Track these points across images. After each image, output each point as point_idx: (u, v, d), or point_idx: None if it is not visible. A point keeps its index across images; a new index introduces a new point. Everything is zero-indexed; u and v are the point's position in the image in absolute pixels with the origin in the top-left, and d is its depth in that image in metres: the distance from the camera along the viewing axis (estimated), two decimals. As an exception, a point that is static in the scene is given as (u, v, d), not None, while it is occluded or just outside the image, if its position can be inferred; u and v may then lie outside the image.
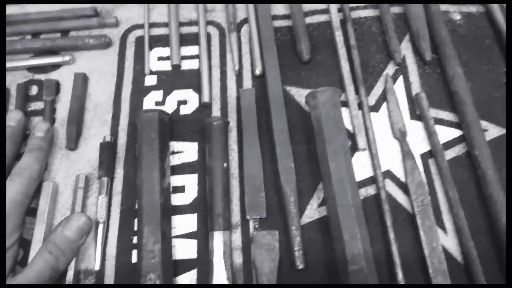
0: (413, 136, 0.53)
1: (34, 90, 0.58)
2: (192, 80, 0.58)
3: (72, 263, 0.46)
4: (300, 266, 0.46)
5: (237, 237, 0.48)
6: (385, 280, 0.45)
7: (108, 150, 0.52)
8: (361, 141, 0.52)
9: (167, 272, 0.45)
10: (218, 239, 0.46)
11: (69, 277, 0.46)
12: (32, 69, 0.59)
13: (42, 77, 0.58)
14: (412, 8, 0.60)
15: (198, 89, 0.57)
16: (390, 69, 0.58)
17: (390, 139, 0.54)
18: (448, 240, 0.48)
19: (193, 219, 0.50)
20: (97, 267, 0.47)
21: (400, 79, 0.57)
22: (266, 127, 0.54)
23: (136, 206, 0.50)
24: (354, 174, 0.49)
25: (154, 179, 0.48)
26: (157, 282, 0.43)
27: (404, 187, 0.51)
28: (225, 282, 0.45)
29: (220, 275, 0.45)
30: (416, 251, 0.47)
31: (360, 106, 0.55)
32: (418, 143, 0.53)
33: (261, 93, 0.56)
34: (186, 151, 0.53)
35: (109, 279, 0.46)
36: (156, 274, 0.44)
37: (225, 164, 0.50)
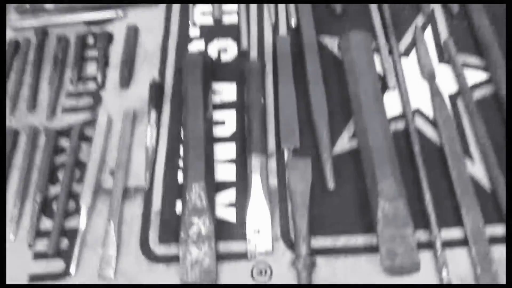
0: (441, 78, 0.56)
1: (91, 40, 0.64)
2: (231, 32, 0.63)
3: (119, 182, 0.51)
4: (331, 186, 0.49)
5: (272, 164, 0.52)
6: (414, 206, 0.47)
7: (156, 89, 0.57)
8: (391, 81, 0.55)
9: (209, 186, 0.49)
10: (256, 161, 0.50)
11: (116, 195, 0.51)
12: (89, 23, 0.66)
13: (97, 30, 0.65)
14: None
15: (237, 39, 0.62)
16: (419, 21, 0.61)
17: (420, 80, 0.57)
18: (475, 169, 0.50)
19: (232, 147, 0.54)
20: (147, 184, 0.52)
21: (429, 29, 0.61)
22: (299, 72, 0.58)
23: (182, 135, 0.55)
24: (385, 109, 0.52)
25: (198, 109, 0.53)
26: (201, 193, 0.48)
27: (432, 123, 0.53)
28: (262, 198, 0.48)
29: (257, 192, 0.49)
30: (444, 179, 0.49)
31: (390, 51, 0.58)
32: (446, 85, 0.56)
33: (296, 44, 0.60)
34: (226, 90, 0.58)
35: (157, 194, 0.51)
36: (200, 186, 0.48)
37: (262, 100, 0.54)
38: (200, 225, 0.47)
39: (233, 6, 0.65)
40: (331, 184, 0.49)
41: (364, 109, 0.51)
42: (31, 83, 0.60)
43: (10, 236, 0.50)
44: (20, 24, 0.66)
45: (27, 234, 0.49)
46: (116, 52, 0.62)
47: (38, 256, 0.49)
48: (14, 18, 0.67)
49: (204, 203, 0.48)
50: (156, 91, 0.57)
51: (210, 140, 0.53)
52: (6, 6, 0.67)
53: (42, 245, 0.49)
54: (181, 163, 0.53)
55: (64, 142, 0.56)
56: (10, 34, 0.65)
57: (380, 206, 0.45)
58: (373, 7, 0.62)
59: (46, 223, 0.50)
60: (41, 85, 0.60)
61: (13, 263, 0.48)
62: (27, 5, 0.66)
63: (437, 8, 0.62)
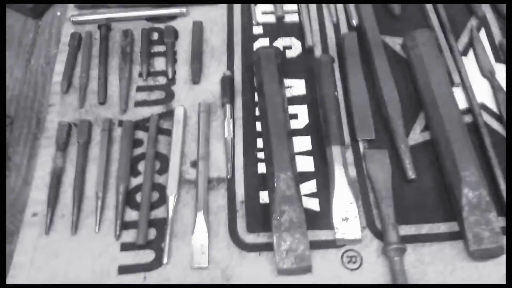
0: (499, 77, 0.59)
1: (155, 36, 0.65)
2: (294, 31, 0.65)
3: (203, 173, 0.52)
4: (412, 176, 0.51)
5: (348, 155, 0.54)
6: (489, 187, 0.50)
7: (228, 82, 0.59)
8: (456, 77, 0.58)
9: (295, 175, 0.50)
10: (336, 152, 0.52)
11: (202, 186, 0.52)
12: (152, 19, 0.66)
13: (161, 26, 0.66)
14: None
15: (301, 37, 0.64)
16: (473, 22, 0.64)
17: (480, 78, 0.60)
18: (542, 161, 0.53)
19: (307, 140, 0.56)
20: (229, 175, 0.53)
21: (483, 31, 0.64)
22: (365, 69, 0.60)
23: (257, 128, 0.56)
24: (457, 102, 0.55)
25: (277, 102, 0.55)
26: (290, 182, 0.49)
27: (496, 116, 0.56)
28: (346, 186, 0.50)
29: (341, 182, 0.50)
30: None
31: (451, 50, 0.61)
32: (504, 81, 0.59)
33: (359, 42, 0.62)
34: (295, 86, 0.60)
35: (239, 185, 0.52)
36: (287, 175, 0.49)
37: (336, 93, 0.56)
38: (291, 213, 0.48)
39: (294, 6, 0.67)
40: (411, 174, 0.51)
41: (439, 101, 0.53)
42: (100, 76, 0.60)
43: (95, 229, 0.50)
44: (81, 18, 0.66)
45: (113, 225, 0.50)
46: (182, 48, 0.63)
47: (126, 247, 0.49)
48: (73, 13, 0.67)
49: (294, 191, 0.49)
50: (228, 85, 0.59)
51: (289, 133, 0.54)
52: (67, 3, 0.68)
53: (128, 236, 0.50)
54: (259, 155, 0.54)
55: (140, 135, 0.56)
56: (70, 29, 0.66)
57: (464, 194, 0.48)
58: (429, 9, 0.65)
59: (131, 214, 0.51)
60: (109, 78, 0.61)
61: (100, 255, 0.48)
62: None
63: (487, 11, 0.65)
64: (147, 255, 0.48)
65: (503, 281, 0.46)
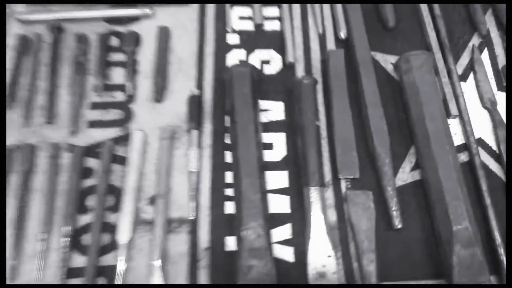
0: (501, 107, 0.53)
1: (114, 41, 0.56)
2: (274, 41, 0.57)
3: (161, 213, 0.46)
4: (399, 226, 0.46)
5: (329, 195, 0.48)
6: (484, 241, 0.45)
7: (196, 104, 0.51)
8: (453, 108, 0.52)
9: (266, 222, 0.44)
10: (314, 194, 0.46)
11: (160, 228, 0.45)
12: (110, 21, 0.58)
13: (121, 29, 0.57)
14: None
15: (281, 50, 0.57)
16: (475, 41, 0.58)
17: (479, 108, 0.54)
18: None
19: (284, 176, 0.49)
20: (192, 216, 0.46)
21: (485, 51, 0.57)
22: (352, 90, 0.53)
23: (227, 159, 0.49)
24: (452, 139, 0.49)
25: (250, 133, 0.48)
26: (260, 231, 0.43)
27: (496, 156, 0.51)
28: (324, 236, 0.44)
29: (318, 229, 0.45)
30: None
31: (449, 74, 0.54)
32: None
33: (345, 57, 0.55)
34: (272, 109, 0.53)
35: (204, 228, 0.46)
36: (257, 223, 0.43)
37: (317, 122, 0.50)
38: (260, 268, 0.42)
39: (275, 11, 0.59)
40: (397, 223, 0.46)
41: (433, 137, 0.47)
42: (48, 90, 0.52)
43: (37, 276, 0.43)
44: (30, 17, 0.57)
45: (58, 272, 0.43)
46: (145, 57, 0.55)
47: (71, 299, 0.43)
48: (22, 11, 0.58)
49: (264, 242, 0.43)
50: (196, 106, 0.51)
51: (262, 167, 0.48)
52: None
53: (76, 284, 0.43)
54: (227, 192, 0.48)
55: (92, 162, 0.49)
56: (17, 29, 0.56)
57: (455, 251, 0.42)
58: (428, 22, 0.57)
59: (79, 261, 0.44)
60: (59, 92, 0.53)
61: (41, 308, 0.42)
62: (36, -5, 0.58)
63: (492, 29, 0.59)
64: (94, 311, 0.42)
65: None
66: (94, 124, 0.51)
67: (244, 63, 0.53)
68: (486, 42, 0.58)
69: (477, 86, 0.55)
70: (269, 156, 0.50)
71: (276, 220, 0.47)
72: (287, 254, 0.45)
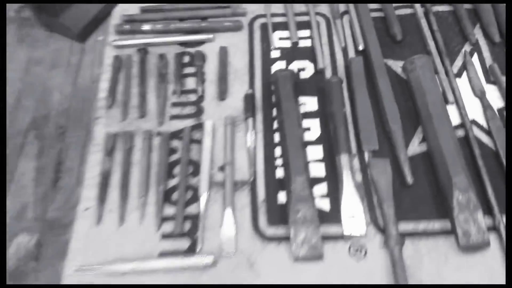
0: (489, 96, 0.67)
1: (186, 59, 0.75)
2: (307, 54, 0.74)
3: (229, 177, 0.61)
4: (410, 182, 0.59)
5: (355, 163, 0.63)
6: (477, 191, 0.58)
7: (250, 99, 0.68)
8: (450, 97, 0.67)
9: (308, 180, 0.59)
10: (345, 159, 0.60)
11: (229, 187, 0.60)
12: (183, 44, 0.76)
13: (191, 50, 0.75)
14: (483, 5, 0.76)
15: (313, 60, 0.73)
16: (467, 48, 0.73)
17: (472, 98, 0.68)
18: (525, 169, 0.60)
19: (319, 149, 0.64)
20: (251, 178, 0.61)
21: (475, 56, 0.72)
22: (370, 89, 0.69)
23: (275, 140, 0.65)
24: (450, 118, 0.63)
25: (293, 118, 0.64)
26: (304, 185, 0.58)
27: (486, 131, 0.64)
28: (353, 190, 0.58)
29: (349, 185, 0.59)
30: (500, 176, 0.60)
31: (446, 73, 0.69)
32: (494, 101, 0.67)
33: (364, 63, 0.71)
34: (308, 103, 0.69)
35: (260, 187, 0.61)
36: (302, 179, 0.58)
37: (344, 109, 0.65)
38: (305, 211, 0.56)
39: (307, 32, 0.77)
40: (410, 179, 0.59)
41: (434, 118, 0.61)
42: (140, 94, 0.70)
43: (139, 221, 0.59)
44: (122, 43, 0.76)
45: (154, 219, 0.59)
46: (210, 69, 0.73)
47: (165, 236, 0.58)
48: (114, 38, 0.77)
49: (307, 192, 0.57)
50: (250, 101, 0.68)
51: (304, 143, 0.63)
52: (107, 27, 0.78)
53: (167, 227, 0.58)
54: (277, 162, 0.63)
55: (175, 143, 0.65)
56: (112, 52, 0.76)
57: (455, 196, 0.56)
58: (428, 36, 0.73)
59: (169, 210, 0.60)
60: (148, 96, 0.71)
61: (144, 242, 0.57)
62: (127, 26, 0.77)
63: (480, 39, 0.74)
64: (183, 244, 0.57)
65: (489, 270, 0.54)
66: (175, 117, 0.68)
67: (285, 69, 0.70)
68: (476, 48, 0.73)
69: (469, 81, 0.69)
70: (307, 136, 0.65)
71: (315, 181, 0.61)
72: (324, 204, 0.59)
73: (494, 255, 0.55)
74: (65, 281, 0.55)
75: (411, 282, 0.53)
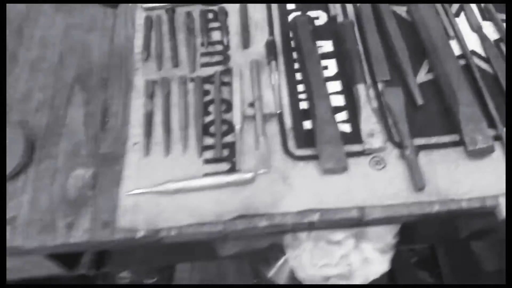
0: (485, 30, 0.75)
1: (210, 16, 0.82)
2: (320, 6, 0.82)
3: (259, 110, 0.69)
4: (420, 102, 0.67)
5: (370, 92, 0.70)
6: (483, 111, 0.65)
7: (271, 45, 0.75)
8: (451, 32, 0.74)
9: (330, 107, 0.67)
10: (361, 88, 0.68)
11: (259, 119, 0.68)
12: (206, 2, 0.84)
13: (214, 8, 0.83)
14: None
15: (326, 10, 0.81)
16: (464, -9, 0.81)
17: (470, 32, 0.76)
18: (521, 88, 0.68)
19: (337, 84, 0.72)
20: (279, 111, 0.69)
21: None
22: (379, 31, 0.76)
23: (298, 76, 0.72)
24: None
25: (313, 56, 0.71)
26: (328, 110, 0.65)
27: (484, 59, 0.72)
28: (370, 111, 0.66)
29: (367, 110, 0.66)
30: (500, 94, 0.67)
31: (446, 13, 0.77)
32: (490, 35, 0.75)
33: (372, 9, 0.79)
34: (324, 46, 0.76)
35: (287, 117, 0.69)
36: (326, 104, 0.66)
37: (357, 46, 0.73)
38: (330, 130, 0.64)
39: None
40: (420, 100, 0.67)
41: (439, 49, 0.69)
42: (171, 47, 0.78)
43: (182, 150, 0.66)
44: (151, 5, 0.83)
45: (196, 148, 0.66)
46: (232, 23, 0.81)
47: (208, 161, 0.65)
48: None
49: (330, 116, 0.65)
50: (272, 47, 0.75)
51: (324, 79, 0.71)
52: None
53: (208, 154, 0.66)
54: (300, 96, 0.71)
55: (207, 87, 0.73)
56: (142, 13, 0.83)
57: (461, 110, 0.63)
58: (428, -16, 0.81)
59: (208, 141, 0.67)
60: (179, 49, 0.78)
61: (189, 166, 0.65)
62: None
63: (475, -18, 0.82)
64: (224, 166, 0.65)
65: (494, 173, 0.61)
66: (205, 65, 0.76)
67: (303, 15, 0.78)
68: (472, -8, 0.81)
69: (467, 18, 0.77)
70: (326, 73, 0.73)
71: (336, 109, 0.69)
72: (345, 127, 0.67)
73: (499, 160, 0.62)
74: (121, 202, 0.62)
75: (428, 186, 0.61)
